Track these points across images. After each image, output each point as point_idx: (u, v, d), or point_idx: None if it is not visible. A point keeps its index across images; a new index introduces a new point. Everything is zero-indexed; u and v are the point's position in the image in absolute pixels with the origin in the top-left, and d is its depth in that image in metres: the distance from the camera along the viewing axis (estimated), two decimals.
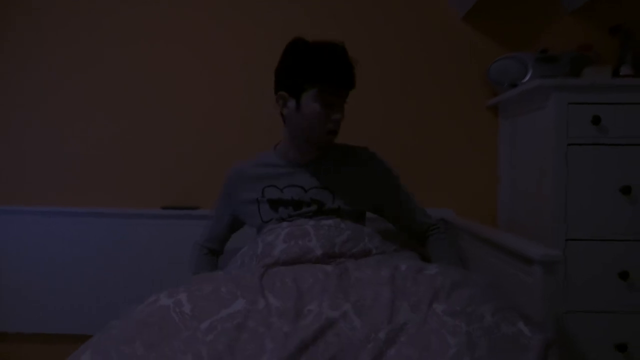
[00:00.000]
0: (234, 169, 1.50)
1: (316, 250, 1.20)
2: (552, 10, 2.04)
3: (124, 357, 0.87)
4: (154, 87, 2.09)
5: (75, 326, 1.99)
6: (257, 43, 2.07)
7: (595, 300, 1.55)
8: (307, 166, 1.41)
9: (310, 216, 1.35)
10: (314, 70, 1.29)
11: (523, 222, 1.80)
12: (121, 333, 0.92)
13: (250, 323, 0.92)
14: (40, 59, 2.10)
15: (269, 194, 1.41)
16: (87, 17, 2.10)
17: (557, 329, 1.52)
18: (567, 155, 1.55)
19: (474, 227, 1.64)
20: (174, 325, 0.92)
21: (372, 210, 1.51)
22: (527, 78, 1.82)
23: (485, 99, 2.05)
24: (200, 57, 2.09)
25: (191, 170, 2.10)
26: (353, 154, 1.46)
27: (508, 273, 1.45)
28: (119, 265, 1.98)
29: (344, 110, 1.36)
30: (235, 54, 2.08)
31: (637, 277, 1.54)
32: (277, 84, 1.39)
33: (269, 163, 1.45)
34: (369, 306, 0.94)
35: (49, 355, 2.05)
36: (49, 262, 2.00)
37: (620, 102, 1.55)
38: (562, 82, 1.56)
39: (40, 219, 2.00)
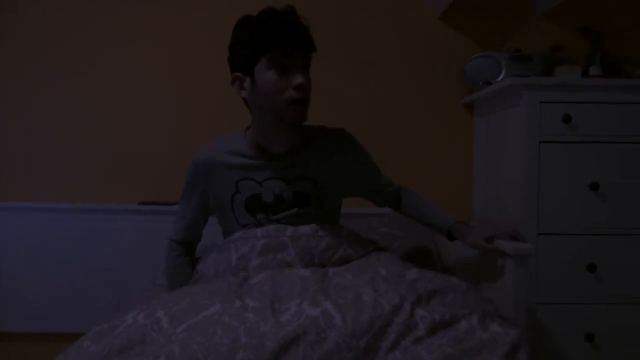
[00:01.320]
0: (199, 159, 1.32)
1: (295, 265, 1.16)
2: (525, 12, 2.09)
3: None
4: (152, 87, 2.08)
5: (69, 325, 1.98)
6: None
7: (564, 292, 1.61)
8: (285, 158, 1.28)
9: (290, 220, 1.27)
10: (260, 35, 1.16)
11: (497, 217, 1.84)
12: (99, 356, 0.90)
13: (225, 319, 0.91)
14: (36, 58, 2.07)
15: (245, 189, 1.28)
16: (87, 17, 2.07)
17: (529, 320, 1.57)
18: (540, 152, 1.60)
19: None
20: (151, 339, 0.91)
21: (351, 194, 1.45)
22: (501, 77, 1.86)
23: (461, 96, 2.10)
24: (199, 57, 2.08)
25: (172, 166, 2.08)
26: (334, 140, 1.35)
27: (482, 266, 1.50)
28: (110, 262, 1.97)
29: (308, 75, 1.19)
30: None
31: (604, 269, 1.60)
32: (230, 68, 1.26)
33: (241, 153, 1.29)
34: (349, 304, 0.93)
35: (47, 354, 2.01)
36: (38, 259, 1.97)
37: (589, 102, 1.61)
38: (534, 81, 1.61)
39: (26, 215, 1.98)
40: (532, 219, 1.60)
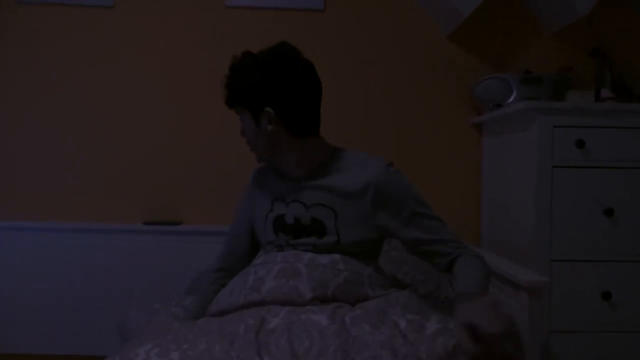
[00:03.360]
0: (254, 174, 1.39)
1: (305, 294, 1.12)
2: (534, 32, 2.08)
3: None
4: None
5: (71, 347, 1.96)
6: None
7: (578, 320, 1.58)
8: (307, 182, 1.25)
9: (307, 249, 1.23)
10: None
11: (506, 241, 1.81)
12: None
13: None
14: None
15: (277, 208, 1.29)
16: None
17: (542, 350, 1.54)
18: (552, 177, 1.58)
19: None
20: None
21: (383, 234, 1.27)
22: (511, 99, 1.84)
23: (469, 116, 2.08)
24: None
25: (177, 185, 2.08)
26: (364, 169, 1.23)
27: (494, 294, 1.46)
28: (108, 282, 1.95)
29: (243, 127, 1.28)
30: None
31: (619, 297, 1.57)
32: None
33: (281, 173, 1.32)
34: None
35: None
36: (38, 280, 1.95)
37: (602, 126, 1.59)
38: (547, 106, 1.59)
39: (27, 235, 1.96)
40: (544, 245, 1.57)
